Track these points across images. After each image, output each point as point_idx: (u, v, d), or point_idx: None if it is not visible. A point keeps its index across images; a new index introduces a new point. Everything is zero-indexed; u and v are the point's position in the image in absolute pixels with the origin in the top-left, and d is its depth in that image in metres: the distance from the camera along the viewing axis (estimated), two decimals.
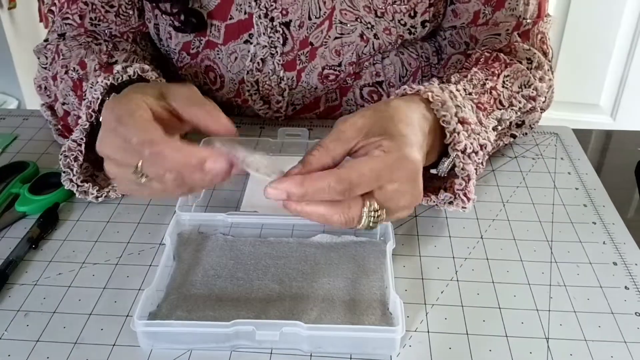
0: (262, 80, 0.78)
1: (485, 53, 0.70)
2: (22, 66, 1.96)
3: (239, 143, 0.50)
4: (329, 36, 0.74)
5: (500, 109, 0.64)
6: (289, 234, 0.62)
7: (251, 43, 0.75)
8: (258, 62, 0.76)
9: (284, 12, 0.73)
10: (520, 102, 0.66)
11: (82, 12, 0.75)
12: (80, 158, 0.63)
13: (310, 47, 0.75)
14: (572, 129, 0.81)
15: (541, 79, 0.71)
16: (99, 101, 0.61)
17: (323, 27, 0.74)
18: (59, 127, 0.75)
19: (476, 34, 0.75)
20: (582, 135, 0.80)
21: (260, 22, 0.73)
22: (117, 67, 0.62)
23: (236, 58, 0.77)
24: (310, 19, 0.73)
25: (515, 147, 0.76)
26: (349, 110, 0.82)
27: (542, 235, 0.62)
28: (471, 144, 0.56)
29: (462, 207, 0.58)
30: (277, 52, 0.75)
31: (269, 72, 0.77)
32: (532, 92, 0.68)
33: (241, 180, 0.70)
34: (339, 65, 0.76)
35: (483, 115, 0.61)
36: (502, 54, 0.70)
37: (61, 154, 0.63)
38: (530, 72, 0.70)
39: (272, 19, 0.73)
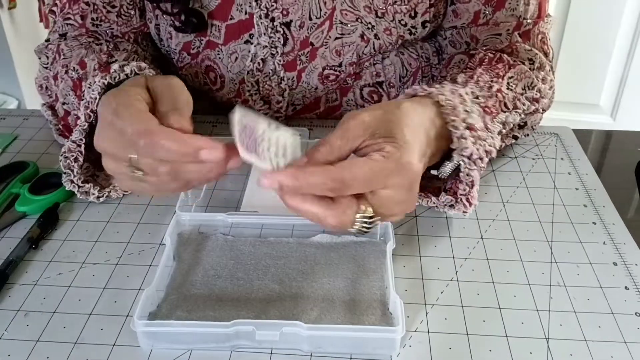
0: (263, 81, 0.78)
1: (489, 54, 0.70)
2: (22, 66, 1.96)
3: (264, 118, 0.49)
4: (330, 36, 0.74)
5: (505, 112, 0.64)
6: (289, 234, 0.62)
7: (252, 43, 0.75)
8: (258, 63, 0.76)
9: (284, 12, 0.73)
10: (524, 104, 0.66)
11: (84, 13, 0.75)
12: (80, 159, 0.63)
13: (310, 47, 0.75)
14: (572, 129, 0.81)
15: (543, 80, 0.71)
16: (97, 101, 0.60)
17: (323, 27, 0.74)
18: (60, 126, 0.75)
19: (477, 34, 0.75)
20: (582, 136, 0.80)
21: (261, 22, 0.73)
22: (114, 66, 0.62)
23: (237, 58, 0.77)
24: (310, 19, 0.73)
25: (516, 147, 0.76)
26: (349, 111, 0.82)
27: (542, 236, 0.62)
28: (477, 150, 0.56)
29: (464, 212, 0.58)
30: (277, 52, 0.75)
31: (269, 73, 0.77)
32: (536, 94, 0.68)
33: (241, 180, 0.70)
34: (340, 65, 0.76)
35: (489, 119, 0.60)
36: (505, 55, 0.70)
37: (61, 155, 0.63)
38: (533, 73, 0.70)
39: (272, 19, 0.73)
